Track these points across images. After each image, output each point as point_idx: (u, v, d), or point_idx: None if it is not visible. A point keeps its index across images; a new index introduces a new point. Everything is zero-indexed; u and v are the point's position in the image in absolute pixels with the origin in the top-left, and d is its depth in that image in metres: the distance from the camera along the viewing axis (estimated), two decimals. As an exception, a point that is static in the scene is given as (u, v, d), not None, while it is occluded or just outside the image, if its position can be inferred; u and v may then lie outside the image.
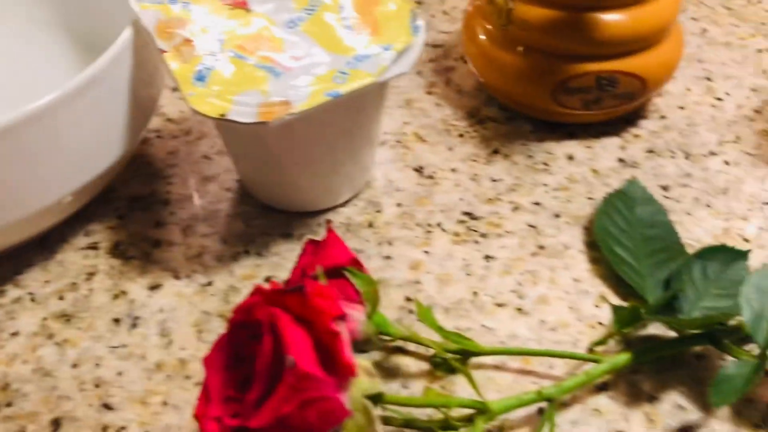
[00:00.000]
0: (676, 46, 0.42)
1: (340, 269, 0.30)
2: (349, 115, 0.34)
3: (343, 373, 0.23)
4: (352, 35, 0.33)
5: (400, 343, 0.33)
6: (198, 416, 0.23)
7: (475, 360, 0.32)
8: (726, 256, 0.34)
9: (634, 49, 0.39)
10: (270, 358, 0.22)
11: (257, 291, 0.24)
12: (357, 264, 0.30)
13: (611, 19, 0.38)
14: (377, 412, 0.26)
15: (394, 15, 0.34)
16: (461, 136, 0.43)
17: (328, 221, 0.31)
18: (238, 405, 0.22)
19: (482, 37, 0.43)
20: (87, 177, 0.33)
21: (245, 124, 0.30)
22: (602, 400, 0.31)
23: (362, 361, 0.24)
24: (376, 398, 0.24)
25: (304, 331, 0.23)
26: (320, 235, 0.37)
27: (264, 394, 0.21)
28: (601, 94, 0.40)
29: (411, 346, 0.33)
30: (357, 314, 0.30)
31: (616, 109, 0.42)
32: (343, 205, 0.39)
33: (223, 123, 0.33)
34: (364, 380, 0.24)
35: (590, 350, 0.31)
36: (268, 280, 0.35)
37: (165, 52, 0.32)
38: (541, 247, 0.37)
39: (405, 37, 0.33)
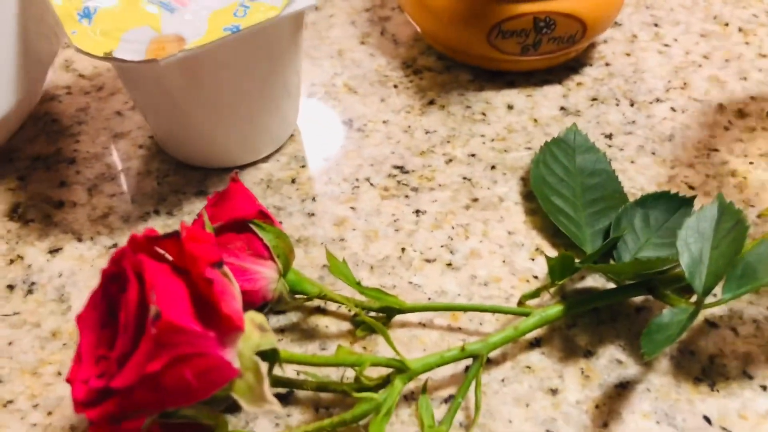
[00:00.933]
0: (618, -14, 0.39)
1: (246, 222, 0.27)
2: (259, 58, 0.31)
3: (225, 327, 0.20)
4: None
5: (320, 303, 0.30)
6: (70, 380, 0.21)
7: (400, 318, 0.30)
8: (670, 204, 0.32)
9: (572, -12, 0.37)
10: (135, 309, 0.19)
11: (131, 239, 0.21)
12: (264, 216, 0.28)
13: (547, -46, 0.36)
14: (292, 374, 0.24)
15: None
16: (395, 86, 0.41)
17: (234, 172, 0.28)
18: (106, 364, 0.20)
19: (416, -19, 0.40)
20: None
21: (133, 63, 0.27)
22: (534, 357, 0.29)
23: (254, 315, 0.22)
24: (271, 355, 0.22)
25: (181, 282, 0.20)
26: (239, 192, 0.35)
27: (129, 351, 0.19)
28: (539, 37, 0.38)
29: (332, 307, 0.30)
30: (267, 271, 0.27)
31: (557, 54, 0.39)
32: (264, 160, 0.36)
33: (121, 67, 0.30)
34: (255, 335, 0.21)
35: (521, 303, 0.29)
36: (178, 240, 0.33)
37: None
38: (475, 200, 0.35)
39: None
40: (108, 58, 0.27)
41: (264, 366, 0.21)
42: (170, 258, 0.21)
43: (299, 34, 0.33)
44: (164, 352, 0.19)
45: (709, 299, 0.27)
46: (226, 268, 0.21)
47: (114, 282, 0.21)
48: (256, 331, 0.21)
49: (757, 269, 0.27)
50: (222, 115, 0.33)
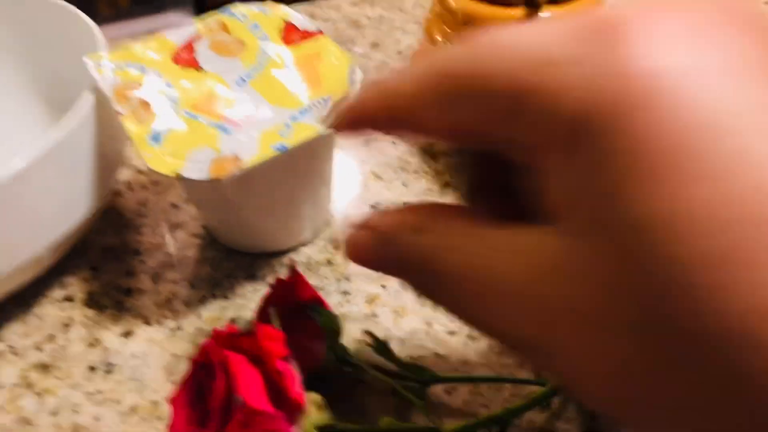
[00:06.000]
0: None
1: (303, 306, 0.32)
2: (301, 162, 0.36)
3: (292, 408, 0.25)
4: (296, 89, 0.36)
5: (361, 375, 0.35)
6: (165, 454, 0.26)
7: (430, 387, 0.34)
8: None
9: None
10: (223, 396, 0.24)
11: (215, 334, 0.26)
12: (319, 301, 0.33)
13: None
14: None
15: (335, 68, 0.37)
16: (416, 172, 0.46)
17: (293, 261, 0.33)
18: (198, 441, 0.25)
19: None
20: (58, 233, 0.36)
21: (200, 182, 0.32)
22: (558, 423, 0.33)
23: (312, 396, 0.27)
24: (328, 429, 0.27)
25: (256, 370, 0.25)
26: (282, 274, 0.40)
27: (219, 430, 0.24)
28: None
29: (371, 378, 0.35)
30: (319, 347, 0.32)
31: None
32: (304, 244, 0.41)
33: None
34: (314, 413, 0.26)
35: (538, 374, 0.34)
36: (233, 321, 0.38)
37: (122, 115, 0.34)
38: (491, 275, 0.39)
39: (342, 89, 0.36)
40: (179, 177, 0.32)
41: (323, 438, 0.26)
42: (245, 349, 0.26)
43: (334, 137, 0.38)
44: (247, 430, 0.23)
45: None
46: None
47: (202, 370, 0.26)
48: (314, 410, 0.26)
49: None
50: (269, 210, 0.38)
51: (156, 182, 0.46)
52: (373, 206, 0.44)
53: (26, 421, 0.34)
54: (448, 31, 0.43)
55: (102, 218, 0.43)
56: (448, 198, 0.44)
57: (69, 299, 0.39)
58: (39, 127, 0.47)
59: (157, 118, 0.35)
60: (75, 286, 0.40)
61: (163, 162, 0.33)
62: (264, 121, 0.35)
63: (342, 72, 0.37)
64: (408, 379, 0.33)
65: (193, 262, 0.41)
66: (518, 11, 0.40)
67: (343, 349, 0.33)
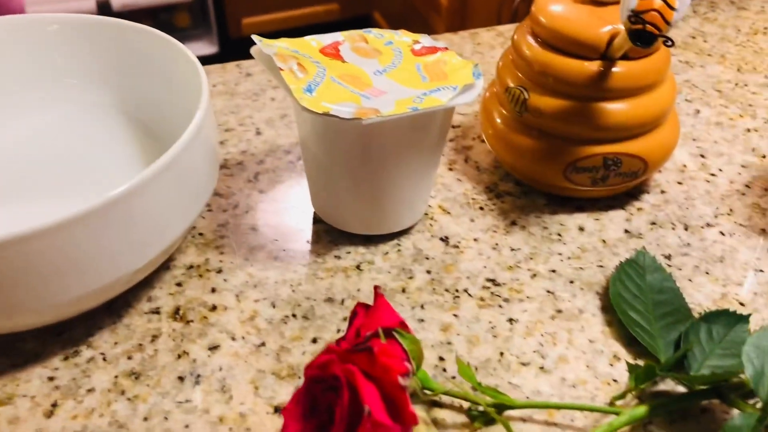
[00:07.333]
0: (673, 129, 0.47)
1: (388, 330, 0.34)
2: (427, 132, 0.40)
3: (407, 422, 0.26)
4: (426, 81, 0.40)
5: (436, 397, 0.37)
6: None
7: (504, 413, 0.36)
8: (728, 320, 0.38)
9: (636, 134, 0.44)
10: (347, 408, 0.25)
11: (329, 349, 0.28)
12: (404, 326, 0.34)
13: (615, 107, 0.43)
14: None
15: (459, 67, 0.41)
16: (481, 209, 0.48)
17: (377, 287, 0.35)
18: (316, 450, 0.26)
19: (498, 120, 0.48)
20: (162, 247, 0.38)
21: (345, 120, 0.36)
22: (621, 449, 0.35)
23: (420, 412, 0.28)
24: (431, 445, 0.28)
25: (373, 385, 0.27)
26: (359, 298, 0.41)
27: (343, 439, 0.25)
28: (607, 172, 0.45)
29: (446, 400, 0.36)
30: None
31: (621, 185, 0.46)
32: (379, 271, 0.43)
33: (326, 125, 0.40)
34: (423, 428, 0.27)
35: (611, 404, 0.35)
36: (314, 341, 0.39)
37: (282, 70, 0.39)
38: (559, 311, 0.41)
39: (468, 80, 0.40)
40: (327, 114, 0.36)
41: (429, 453, 0.27)
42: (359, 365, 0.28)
43: (449, 120, 0.42)
44: (369, 441, 0.25)
45: None
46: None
47: (318, 383, 0.27)
48: (423, 425, 0.28)
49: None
50: (391, 175, 0.41)
51: (235, 206, 0.48)
52: (442, 239, 0.46)
53: (120, 425, 0.35)
54: (521, 78, 0.46)
55: (184, 237, 0.45)
56: (515, 235, 0.46)
57: (156, 312, 0.41)
58: (134, 149, 0.49)
59: (311, 77, 0.39)
60: (162, 299, 0.41)
61: (315, 104, 0.37)
62: (400, 94, 0.39)
63: (467, 69, 0.41)
64: (486, 403, 0.35)
65: (273, 283, 0.43)
66: (593, 64, 0.43)
67: (424, 373, 0.35)
